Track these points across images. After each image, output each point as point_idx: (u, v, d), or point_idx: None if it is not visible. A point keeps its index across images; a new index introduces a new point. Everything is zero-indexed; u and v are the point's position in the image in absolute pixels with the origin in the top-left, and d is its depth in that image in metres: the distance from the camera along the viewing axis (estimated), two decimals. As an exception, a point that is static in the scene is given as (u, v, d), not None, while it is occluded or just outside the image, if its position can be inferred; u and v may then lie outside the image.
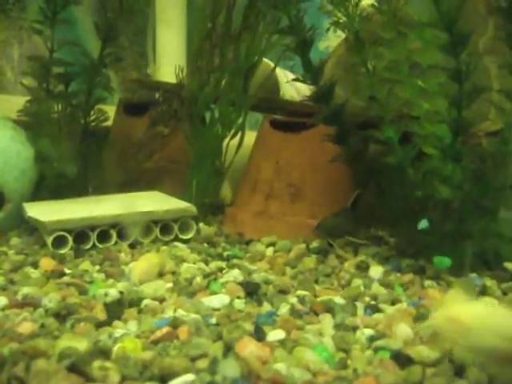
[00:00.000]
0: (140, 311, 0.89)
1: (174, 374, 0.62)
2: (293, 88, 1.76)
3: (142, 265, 1.00)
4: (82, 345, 0.69)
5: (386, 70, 1.26)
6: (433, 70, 1.19)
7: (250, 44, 1.48)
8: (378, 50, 1.27)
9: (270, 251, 1.26)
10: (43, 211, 1.32)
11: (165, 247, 1.28)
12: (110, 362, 0.63)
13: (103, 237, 1.28)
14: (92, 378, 0.60)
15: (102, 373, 0.60)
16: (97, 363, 0.61)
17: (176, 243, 1.30)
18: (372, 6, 1.31)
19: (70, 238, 1.25)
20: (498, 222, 1.17)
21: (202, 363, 0.66)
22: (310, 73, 1.29)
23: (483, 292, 1.02)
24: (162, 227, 1.34)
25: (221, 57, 1.49)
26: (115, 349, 0.70)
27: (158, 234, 1.32)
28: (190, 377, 0.61)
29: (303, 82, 1.32)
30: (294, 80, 1.38)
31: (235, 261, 1.17)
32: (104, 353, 0.67)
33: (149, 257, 1.04)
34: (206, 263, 1.15)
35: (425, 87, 1.21)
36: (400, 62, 1.22)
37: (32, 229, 1.39)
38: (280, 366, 0.65)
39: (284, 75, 1.75)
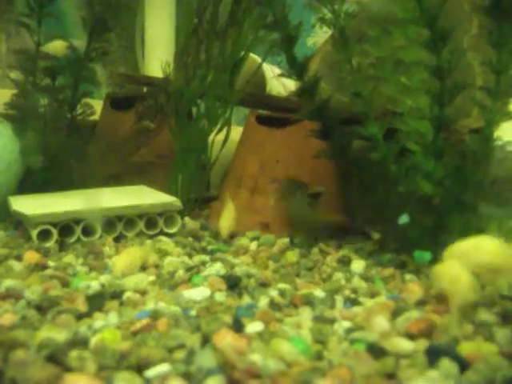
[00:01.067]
0: (121, 303, 0.89)
1: (151, 364, 0.63)
2: (279, 83, 1.77)
3: (124, 258, 1.01)
4: (60, 335, 0.69)
5: (370, 66, 1.27)
6: (415, 66, 1.20)
7: (236, 39, 1.49)
8: (362, 47, 1.29)
9: (254, 245, 1.27)
10: (28, 205, 1.32)
11: (149, 241, 1.28)
12: (87, 352, 0.63)
13: (89, 231, 1.29)
14: (69, 368, 0.61)
15: (79, 362, 0.61)
16: (74, 353, 0.62)
17: (161, 237, 1.31)
18: (357, 2, 1.32)
19: (55, 232, 1.25)
20: (478, 217, 1.19)
21: (179, 354, 0.67)
22: (295, 68, 1.30)
23: (462, 286, 1.03)
24: (147, 221, 1.34)
25: (207, 52, 1.50)
26: (94, 339, 0.70)
27: (143, 228, 1.33)
28: (165, 367, 0.62)
29: (288, 77, 1.33)
30: (279, 75, 1.39)
31: (219, 255, 1.17)
32: (82, 343, 0.67)
33: (131, 250, 1.05)
34: (190, 257, 1.16)
35: (408, 84, 1.23)
36: (384, 59, 1.23)
37: (17, 222, 1.39)
38: (256, 357, 0.66)
39: (271, 71, 1.76)
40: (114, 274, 0.99)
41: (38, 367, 0.58)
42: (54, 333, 0.70)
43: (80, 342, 0.67)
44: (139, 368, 0.63)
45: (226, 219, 1.03)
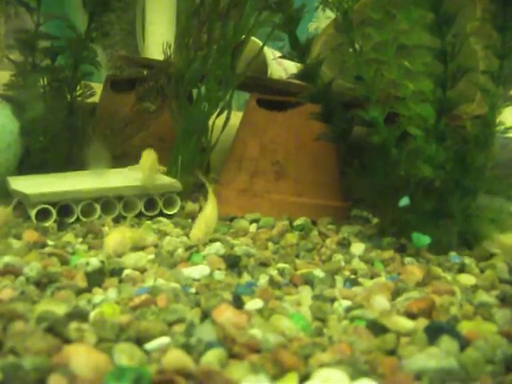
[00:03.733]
0: (121, 280, 0.89)
1: (151, 337, 0.63)
2: (281, 68, 1.76)
3: (115, 236, 1.01)
4: (60, 309, 0.69)
5: (373, 50, 1.26)
6: (419, 50, 1.19)
7: (238, 21, 1.48)
8: (365, 31, 1.28)
9: (253, 227, 1.27)
10: (27, 184, 1.31)
11: (149, 222, 1.28)
12: (86, 325, 0.63)
13: (88, 211, 1.29)
14: (68, 339, 0.61)
15: (78, 334, 0.61)
16: (73, 325, 0.61)
17: (160, 218, 1.30)
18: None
19: (54, 211, 1.25)
20: (479, 207, 1.19)
21: (179, 328, 0.66)
22: (297, 50, 1.29)
23: (461, 270, 1.03)
24: (147, 202, 1.34)
25: (208, 34, 1.49)
26: (93, 313, 0.70)
27: (143, 209, 1.33)
28: (165, 339, 0.62)
29: (289, 59, 1.32)
30: (280, 58, 1.38)
31: (218, 236, 1.17)
32: (82, 316, 0.67)
33: (122, 229, 1.05)
34: (189, 237, 1.16)
35: (411, 68, 1.22)
36: (387, 42, 1.23)
37: (17, 203, 1.38)
38: (256, 332, 0.65)
39: (272, 55, 1.75)
40: (105, 252, 0.98)
41: (37, 338, 0.58)
42: (53, 306, 0.70)
43: (79, 315, 0.67)
44: (139, 341, 0.63)
45: (198, 228, 1.01)
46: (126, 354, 0.57)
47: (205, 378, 0.53)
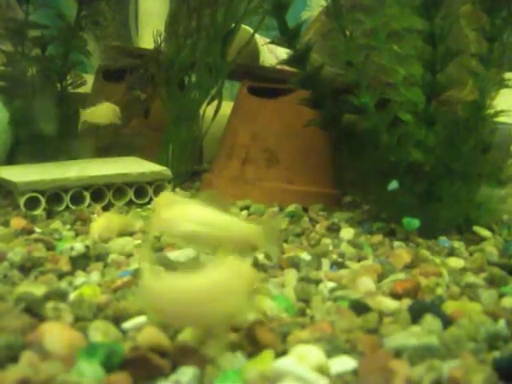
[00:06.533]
0: (106, 265, 0.88)
1: (128, 317, 0.62)
2: (273, 55, 1.74)
3: (101, 221, 1.00)
4: (39, 290, 0.68)
5: (363, 35, 1.26)
6: (409, 34, 1.18)
7: (228, 8, 1.47)
8: (356, 16, 1.27)
9: (244, 214, 1.26)
10: (16, 173, 1.31)
11: (138, 209, 1.27)
12: (64, 304, 0.62)
13: (78, 199, 1.28)
14: (45, 318, 0.60)
15: (55, 313, 0.60)
16: (50, 304, 0.61)
17: (150, 206, 1.30)
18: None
19: (43, 199, 1.24)
20: (493, 197, 1.18)
21: (158, 307, 0.66)
22: (286, 35, 1.28)
23: (451, 253, 1.03)
24: (137, 190, 1.33)
25: (198, 21, 1.48)
26: (73, 294, 0.69)
27: (133, 197, 1.32)
28: (142, 318, 0.61)
29: (279, 44, 1.31)
30: (269, 43, 1.37)
31: (207, 222, 1.16)
32: (61, 297, 0.66)
33: (109, 215, 1.04)
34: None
35: (401, 52, 1.21)
36: (377, 27, 1.22)
37: (6, 192, 1.38)
38: (236, 311, 0.65)
39: (264, 42, 1.74)
40: (91, 236, 0.98)
41: (13, 317, 0.57)
42: (33, 288, 0.69)
43: (58, 296, 0.66)
44: (117, 320, 0.62)
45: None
46: (100, 332, 0.56)
47: (180, 355, 0.53)
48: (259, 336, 0.56)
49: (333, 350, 0.56)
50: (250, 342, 0.57)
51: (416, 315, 0.67)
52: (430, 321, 0.65)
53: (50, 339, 0.53)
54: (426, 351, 0.57)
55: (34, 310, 0.61)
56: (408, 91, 1.19)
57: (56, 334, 0.53)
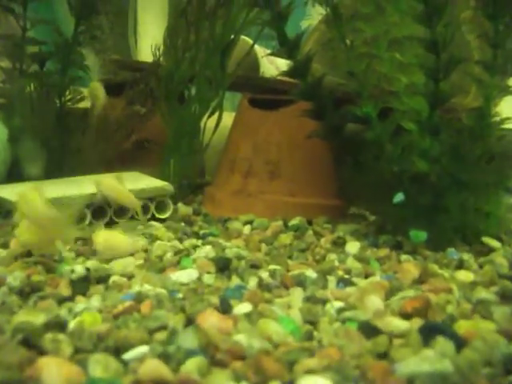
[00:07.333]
0: (107, 288, 0.86)
1: (130, 346, 0.60)
2: (273, 66, 1.73)
3: (103, 234, 1.00)
4: (38, 319, 0.66)
5: (363, 44, 1.24)
6: (409, 42, 1.16)
7: (226, 20, 1.45)
8: (356, 25, 1.25)
9: (247, 229, 1.24)
10: (15, 192, 1.29)
11: (140, 227, 1.25)
12: (63, 335, 0.60)
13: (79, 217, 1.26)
14: (44, 351, 0.58)
15: (53, 345, 0.58)
16: (49, 336, 0.59)
17: (151, 222, 1.28)
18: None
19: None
20: (501, 206, 1.16)
21: (161, 335, 0.64)
22: (286, 46, 1.26)
23: (460, 266, 1.00)
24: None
25: (196, 34, 1.46)
26: (73, 322, 0.67)
27: (134, 214, 1.30)
28: (144, 348, 0.59)
29: (279, 56, 1.30)
30: (269, 55, 1.35)
31: (211, 239, 1.14)
32: (60, 326, 0.64)
33: (111, 232, 1.04)
34: (181, 241, 1.13)
35: (403, 61, 1.19)
36: (378, 36, 1.20)
37: (6, 212, 1.36)
38: (240, 338, 0.62)
39: (263, 53, 1.72)
40: (95, 249, 0.99)
41: (9, 351, 0.55)
42: (32, 317, 0.67)
43: (57, 325, 0.64)
44: (118, 351, 0.60)
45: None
46: (100, 365, 0.54)
47: (183, 389, 0.51)
48: (265, 366, 0.54)
49: (342, 380, 0.54)
50: (256, 371, 0.55)
51: (427, 337, 0.65)
52: (443, 343, 0.62)
53: (48, 375, 0.51)
54: (440, 378, 0.54)
55: (32, 342, 0.59)
56: (411, 100, 1.18)
57: (54, 369, 0.51)
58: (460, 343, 0.63)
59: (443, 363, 0.56)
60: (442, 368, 0.55)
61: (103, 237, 0.99)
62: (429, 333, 0.65)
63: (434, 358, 0.58)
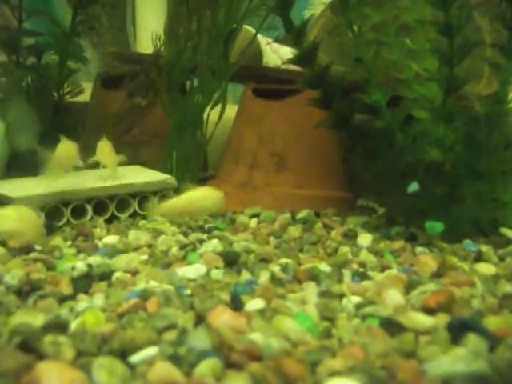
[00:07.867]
0: (110, 285, 0.82)
1: (137, 348, 0.55)
2: (276, 55, 1.68)
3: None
4: (37, 320, 0.62)
5: (372, 30, 1.19)
6: (421, 26, 1.12)
7: (229, 8, 1.40)
8: (363, 10, 1.21)
9: (253, 222, 1.20)
10: (14, 188, 1.24)
11: (144, 221, 1.21)
12: (64, 337, 0.56)
13: (80, 212, 1.21)
14: (43, 355, 0.53)
15: (54, 348, 0.53)
16: (49, 338, 0.54)
17: (156, 216, 1.23)
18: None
19: (42, 215, 1.17)
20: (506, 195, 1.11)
21: (169, 335, 0.59)
22: (292, 33, 1.22)
23: (478, 258, 0.96)
24: (141, 201, 1.27)
25: (198, 22, 1.41)
26: (74, 323, 0.63)
27: (137, 208, 1.26)
28: (153, 350, 0.54)
29: (284, 43, 1.25)
30: (274, 42, 1.30)
31: (216, 233, 1.10)
32: (60, 327, 0.60)
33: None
34: (186, 235, 1.09)
35: (413, 47, 1.15)
36: (387, 21, 1.16)
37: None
38: (256, 336, 0.58)
39: (266, 42, 1.67)
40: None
41: (6, 356, 0.50)
42: (30, 317, 0.63)
43: (57, 327, 0.59)
44: (123, 353, 0.55)
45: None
46: (105, 370, 0.49)
47: (197, 395, 0.46)
48: (287, 368, 0.50)
49: (370, 382, 0.50)
50: (276, 373, 0.50)
51: (456, 334, 0.60)
52: (475, 341, 0.57)
53: (48, 382, 0.46)
54: (478, 380, 0.50)
55: (30, 345, 0.54)
56: (422, 87, 1.13)
57: (55, 375, 0.47)
58: (493, 341, 0.59)
59: (479, 363, 0.51)
60: (478, 368, 0.51)
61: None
62: (458, 329, 0.60)
63: (468, 357, 0.53)
